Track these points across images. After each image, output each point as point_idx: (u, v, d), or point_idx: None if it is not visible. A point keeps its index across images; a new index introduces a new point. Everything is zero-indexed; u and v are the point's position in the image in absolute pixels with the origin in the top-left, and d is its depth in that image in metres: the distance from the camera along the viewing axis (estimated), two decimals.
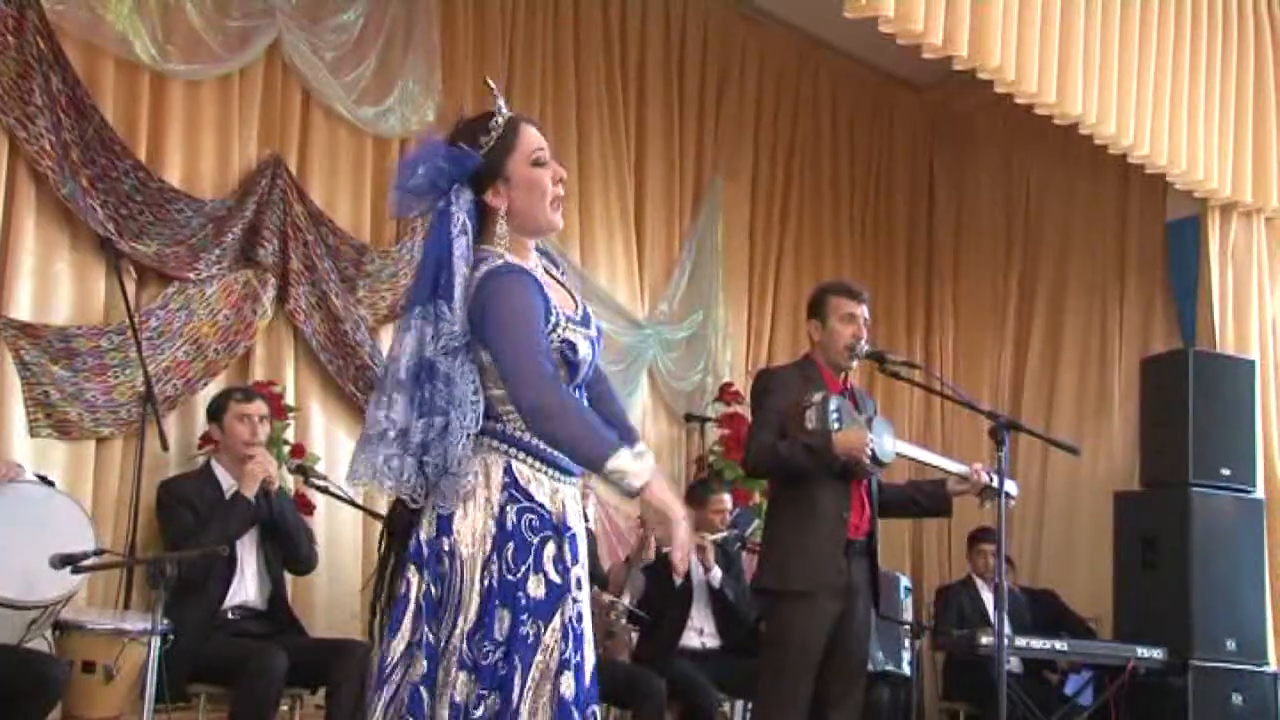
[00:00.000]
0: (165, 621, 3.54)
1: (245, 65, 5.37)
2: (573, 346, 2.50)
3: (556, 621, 2.39)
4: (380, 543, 2.59)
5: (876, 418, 4.15)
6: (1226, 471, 6.11)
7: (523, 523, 2.41)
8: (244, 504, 4.32)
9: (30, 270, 4.75)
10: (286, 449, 5.19)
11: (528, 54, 6.43)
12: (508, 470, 2.43)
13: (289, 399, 5.35)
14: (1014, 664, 6.01)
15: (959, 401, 4.69)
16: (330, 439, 5.52)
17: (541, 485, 2.45)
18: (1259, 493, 6.22)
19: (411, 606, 2.40)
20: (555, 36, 6.56)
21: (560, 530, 2.45)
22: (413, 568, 2.42)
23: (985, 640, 5.33)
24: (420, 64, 5.91)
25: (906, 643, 5.93)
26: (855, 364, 4.19)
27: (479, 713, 2.32)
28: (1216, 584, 5.93)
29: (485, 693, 2.33)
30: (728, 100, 7.37)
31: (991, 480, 4.02)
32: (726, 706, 5.57)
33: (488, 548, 2.39)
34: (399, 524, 2.52)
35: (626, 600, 5.13)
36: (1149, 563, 6.11)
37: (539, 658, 2.36)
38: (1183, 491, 6.01)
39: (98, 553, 3.71)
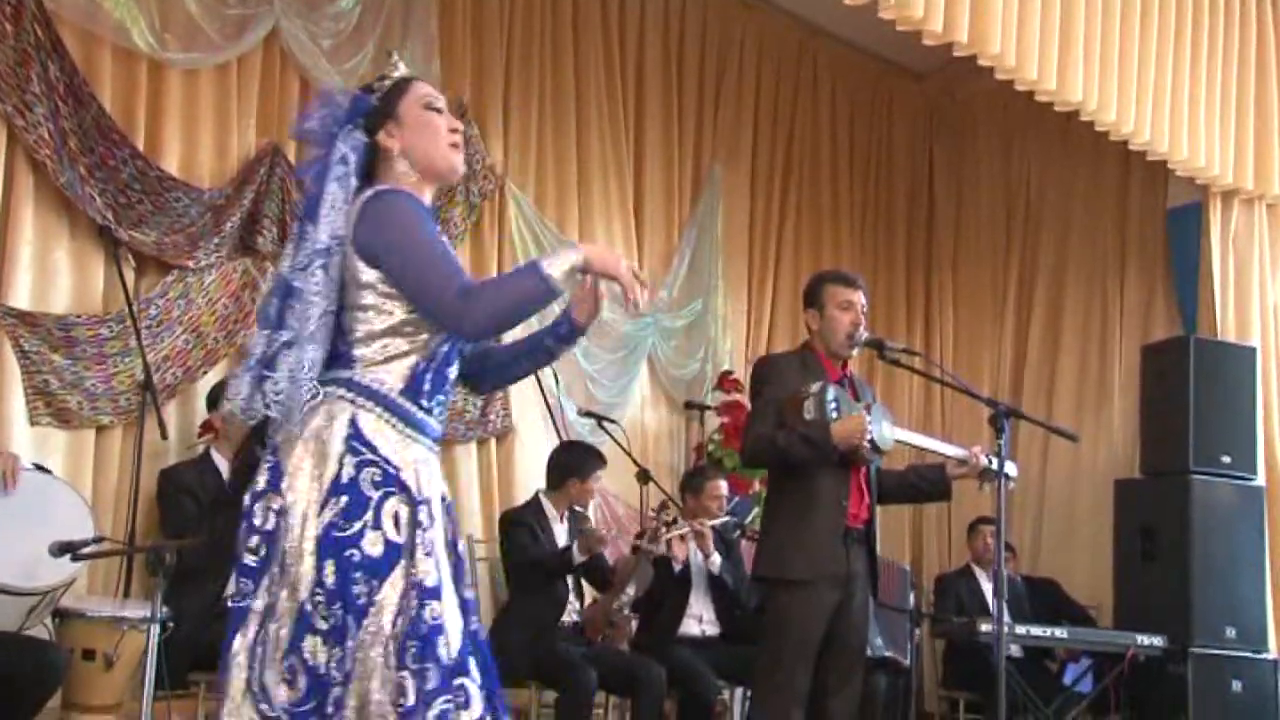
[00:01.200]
0: (165, 609, 3.54)
1: (243, 53, 5.36)
2: None
3: (397, 582, 2.31)
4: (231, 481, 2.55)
5: (875, 405, 4.14)
6: (1227, 459, 6.11)
7: (362, 476, 2.34)
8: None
9: (29, 259, 4.74)
10: None
11: (526, 42, 6.41)
12: (353, 421, 2.37)
13: None
14: (1014, 651, 6.02)
15: (958, 389, 4.68)
16: None
17: (389, 440, 2.39)
18: (1259, 480, 6.23)
19: (244, 563, 2.36)
20: (554, 24, 6.55)
21: (407, 489, 2.37)
22: (243, 525, 2.37)
23: (985, 628, 5.33)
24: (418, 52, 5.89)
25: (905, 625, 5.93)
26: (855, 352, 4.18)
27: (338, 674, 2.27)
28: (1216, 571, 5.94)
29: (341, 654, 2.28)
30: (727, 88, 7.35)
31: (990, 463, 4.02)
32: (726, 694, 5.57)
33: (320, 500, 2.32)
34: (249, 464, 2.48)
35: (633, 591, 5.13)
36: (1149, 551, 6.12)
37: (369, 619, 2.28)
38: (1183, 479, 6.02)
39: (97, 540, 3.71)
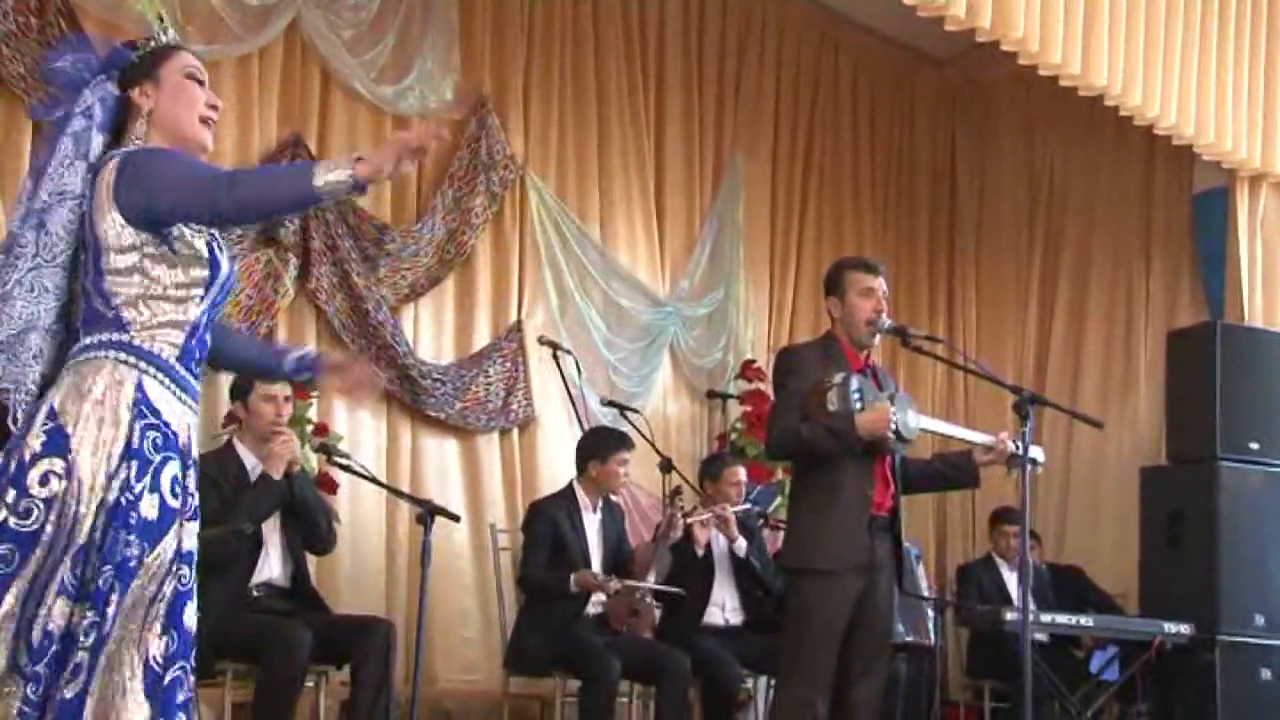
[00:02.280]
0: None
1: (264, 45, 5.37)
2: (219, 245, 2.49)
3: (168, 545, 2.32)
4: None
5: (899, 394, 4.13)
6: (1255, 445, 6.06)
7: (147, 440, 2.34)
8: (273, 485, 4.33)
9: None
10: (309, 428, 5.20)
11: (546, 31, 6.40)
12: (139, 386, 2.36)
13: None
14: (1040, 637, 5.99)
15: (982, 376, 4.66)
16: (353, 418, 5.54)
17: (171, 405, 2.39)
18: None
19: (9, 530, 2.25)
20: (574, 13, 6.53)
21: (184, 455, 2.40)
22: (11, 490, 2.27)
23: (1009, 616, 5.31)
24: (438, 42, 5.90)
25: (929, 612, 5.91)
26: (878, 340, 4.16)
27: (90, 640, 2.23)
28: (1244, 559, 5.89)
29: (97, 620, 2.24)
30: (747, 76, 7.33)
31: (1017, 448, 4.00)
32: (750, 683, 5.57)
33: (111, 466, 2.30)
34: None
35: (653, 579, 5.13)
36: (1175, 538, 6.08)
37: (138, 581, 2.28)
38: (1210, 466, 5.97)
39: None
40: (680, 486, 5.37)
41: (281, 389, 4.53)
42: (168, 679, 2.30)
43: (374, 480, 4.88)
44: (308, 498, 4.52)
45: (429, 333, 5.93)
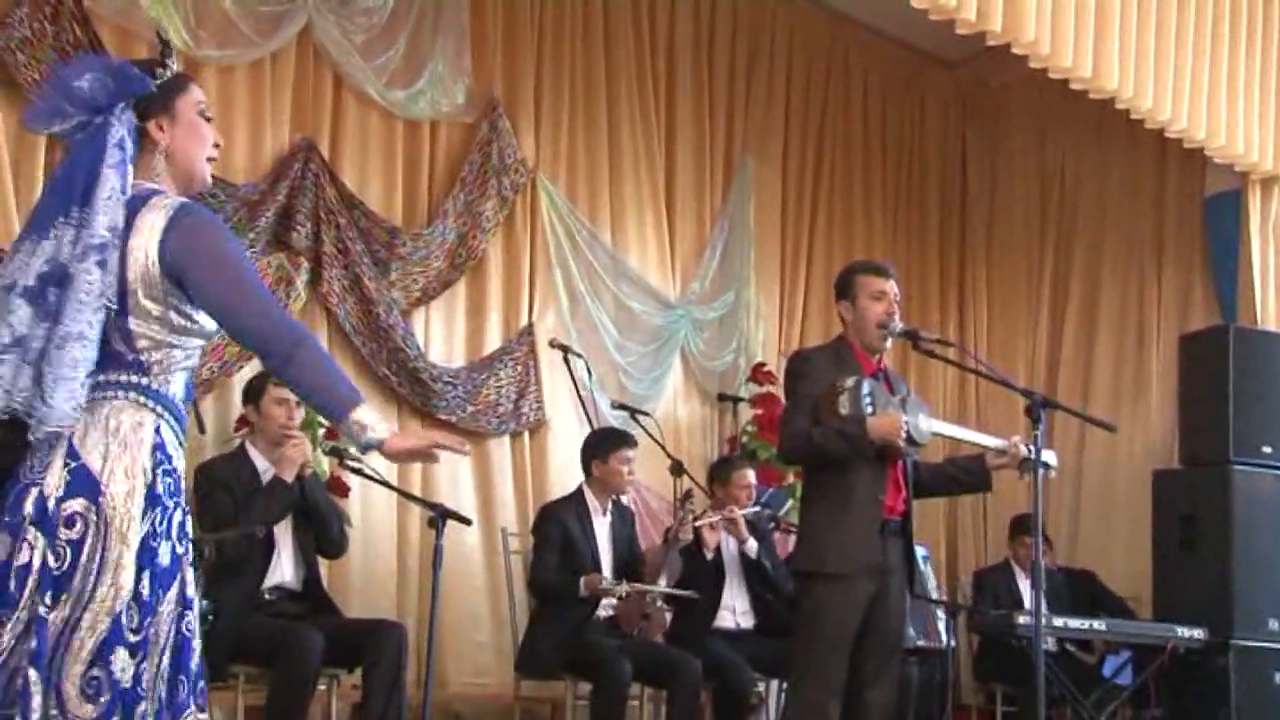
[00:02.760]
0: (205, 602, 3.56)
1: (277, 50, 5.38)
2: None
3: (174, 591, 2.32)
4: None
5: (911, 398, 4.13)
6: (1268, 449, 6.05)
7: (163, 487, 2.33)
8: (285, 488, 4.34)
9: None
10: (321, 431, 5.21)
11: (557, 35, 6.41)
12: (158, 431, 2.35)
13: None
14: (1050, 644, 5.98)
15: (994, 379, 4.65)
16: None
17: (176, 450, 2.39)
18: None
19: (33, 576, 2.19)
20: (585, 16, 6.54)
21: (184, 498, 2.40)
22: (33, 530, 2.21)
23: (1022, 620, 5.30)
24: (449, 46, 5.91)
25: (939, 613, 5.91)
26: (889, 343, 4.16)
27: (139, 689, 2.22)
28: (1257, 562, 5.88)
29: (141, 671, 2.24)
30: (758, 79, 7.32)
31: (1030, 452, 4.00)
32: (761, 686, 5.57)
33: (137, 512, 2.27)
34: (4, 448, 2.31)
35: (664, 582, 5.13)
36: (1188, 542, 6.06)
37: (153, 626, 2.27)
38: (1223, 469, 5.96)
39: None
40: (691, 490, 5.38)
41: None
42: None
43: (385, 484, 4.88)
44: (319, 501, 4.53)
45: (440, 336, 5.93)
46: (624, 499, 5.42)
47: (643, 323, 6.58)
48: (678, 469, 5.60)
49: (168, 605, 2.31)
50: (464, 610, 5.73)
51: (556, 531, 5.05)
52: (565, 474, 5.89)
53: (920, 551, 6.11)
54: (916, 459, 4.23)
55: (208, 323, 2.40)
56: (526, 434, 6.11)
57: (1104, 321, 7.52)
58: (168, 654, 2.30)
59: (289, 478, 4.35)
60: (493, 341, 6.05)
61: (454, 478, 5.83)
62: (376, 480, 4.80)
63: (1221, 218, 6.85)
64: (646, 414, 5.93)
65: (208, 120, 2.52)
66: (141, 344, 2.35)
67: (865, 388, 3.90)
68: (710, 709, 5.25)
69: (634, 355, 6.52)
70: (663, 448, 5.70)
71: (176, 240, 2.33)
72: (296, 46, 5.47)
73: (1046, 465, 4.13)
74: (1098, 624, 5.68)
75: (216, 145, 2.54)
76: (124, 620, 2.23)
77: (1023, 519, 6.35)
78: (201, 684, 2.37)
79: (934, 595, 6.06)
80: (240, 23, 5.20)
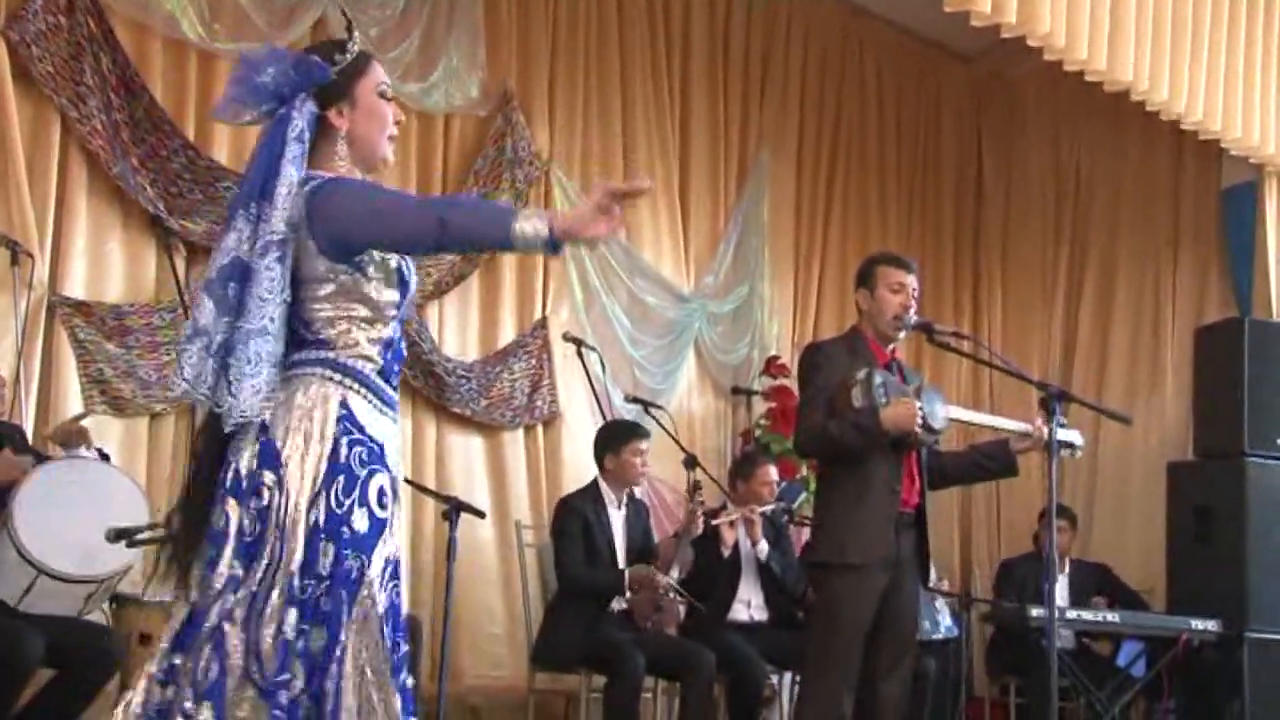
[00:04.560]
0: None
1: (291, 43, 5.38)
2: (406, 262, 2.51)
3: (379, 556, 2.38)
4: (189, 464, 2.54)
5: (925, 386, 4.12)
6: None
7: (353, 455, 2.38)
8: None
9: (83, 249, 4.81)
10: None
11: (571, 28, 6.41)
12: (344, 403, 2.40)
13: None
14: (1069, 641, 5.97)
15: (1008, 372, 4.65)
16: None
17: (375, 419, 2.43)
18: None
19: (231, 542, 2.33)
20: (599, 10, 6.54)
21: (387, 466, 2.43)
22: (231, 501, 2.35)
23: (1035, 612, 5.29)
24: (464, 40, 5.91)
25: (940, 604, 5.90)
26: (903, 335, 4.17)
27: (300, 645, 2.29)
28: (1272, 555, 5.86)
29: (307, 628, 2.30)
30: (773, 73, 7.31)
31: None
32: (775, 679, 5.57)
33: (318, 481, 2.34)
34: (212, 445, 2.43)
35: (676, 574, 5.14)
36: (1203, 534, 6.05)
37: (363, 592, 2.34)
38: (1237, 461, 5.94)
39: (152, 527, 3.76)
40: (699, 482, 5.38)
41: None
42: (403, 681, 2.39)
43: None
44: None
45: (454, 329, 5.95)
46: (637, 492, 5.42)
47: (657, 316, 6.58)
48: (691, 462, 5.60)
49: (375, 567, 2.36)
50: (478, 603, 5.74)
51: (577, 525, 5.05)
52: (579, 467, 5.90)
53: None
54: (939, 448, 4.23)
55: (377, 293, 2.44)
56: (540, 427, 6.12)
57: (1119, 314, 7.50)
58: (387, 623, 2.36)
59: None
60: (506, 335, 6.06)
61: (468, 471, 5.85)
62: None
63: (1237, 210, 6.82)
64: (660, 407, 5.93)
65: (388, 100, 2.56)
66: (318, 324, 2.42)
67: (877, 379, 3.90)
68: (724, 702, 5.26)
69: (648, 349, 6.52)
70: (676, 441, 5.70)
71: (320, 217, 2.39)
72: (310, 39, 5.47)
73: (1071, 445, 4.13)
74: (1112, 616, 5.67)
75: (397, 123, 2.58)
76: (296, 583, 2.30)
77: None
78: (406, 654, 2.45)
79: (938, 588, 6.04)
80: (254, 15, 5.21)
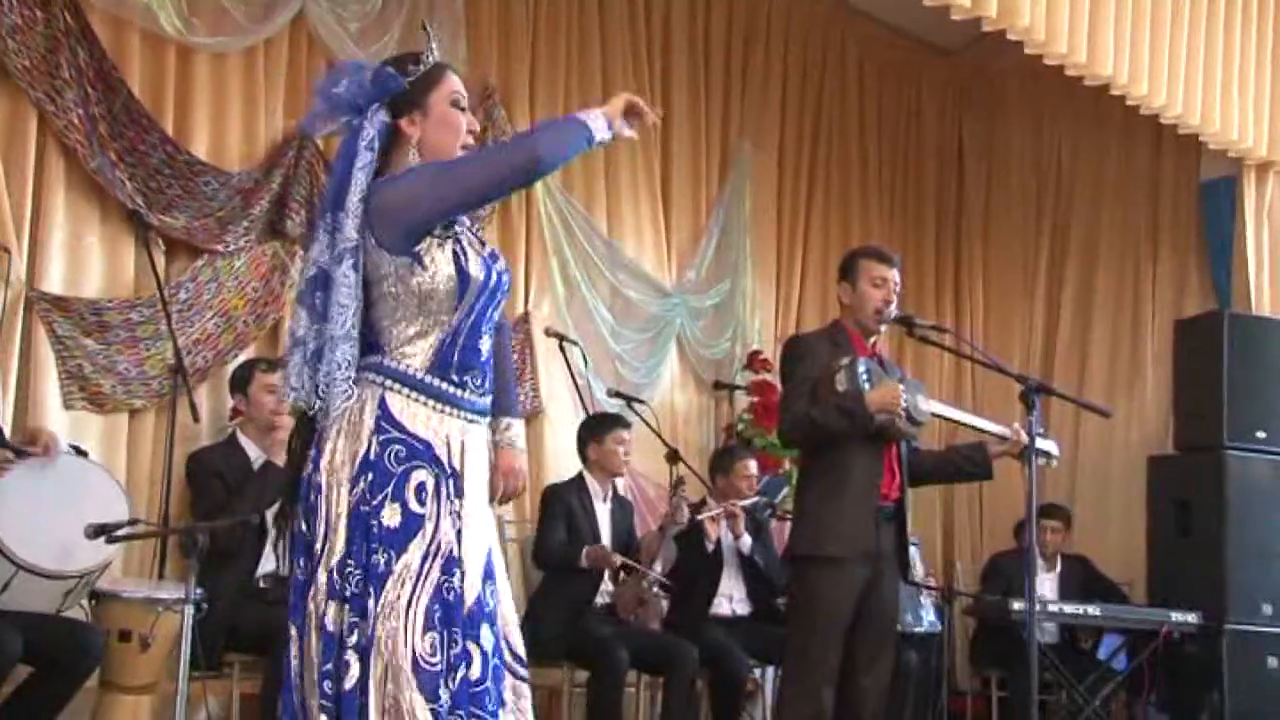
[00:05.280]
0: (199, 590, 3.57)
1: (270, 37, 5.36)
2: (464, 253, 2.54)
3: (414, 551, 2.41)
4: (286, 470, 2.66)
5: (908, 379, 4.14)
6: (1262, 434, 6.06)
7: (387, 454, 2.44)
8: (277, 472, 4.31)
9: (61, 244, 4.77)
10: None
11: (552, 21, 6.39)
12: (381, 403, 2.46)
13: None
14: (1053, 634, 6.00)
15: (989, 365, 4.66)
16: None
17: (418, 416, 2.48)
18: None
19: (293, 543, 2.54)
20: (580, 4, 6.52)
21: (437, 462, 2.47)
22: (299, 505, 2.53)
23: (1017, 606, 5.31)
24: (444, 35, 5.87)
25: (923, 598, 5.93)
26: (884, 328, 4.18)
27: (353, 639, 2.37)
28: (1252, 547, 5.89)
29: (357, 620, 2.37)
30: (754, 67, 7.31)
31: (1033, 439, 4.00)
32: (757, 673, 5.58)
33: (345, 477, 2.43)
34: (304, 441, 2.56)
35: (659, 569, 5.14)
36: (1183, 527, 6.08)
37: (389, 586, 2.37)
38: (1217, 455, 5.97)
39: (132, 523, 3.75)
40: (682, 477, 5.39)
41: (281, 377, 4.54)
42: (457, 678, 2.39)
43: None
44: None
45: None
46: (620, 488, 5.42)
47: (639, 311, 6.58)
48: (674, 457, 5.60)
49: (407, 563, 2.39)
50: None
51: (561, 508, 5.09)
52: (562, 462, 5.89)
53: (911, 539, 6.15)
54: (918, 446, 4.24)
55: (439, 283, 2.48)
56: (523, 422, 6.10)
57: (1099, 308, 7.53)
58: (434, 606, 2.39)
59: (281, 461, 4.33)
60: None
61: None
62: None
63: (1217, 204, 6.85)
64: (643, 402, 5.93)
65: (462, 110, 2.63)
66: (380, 326, 2.52)
67: (861, 366, 3.92)
68: (707, 695, 5.26)
69: (630, 343, 6.52)
70: (659, 435, 5.70)
71: (375, 211, 2.47)
72: (290, 34, 5.45)
73: (1047, 455, 4.14)
74: (1092, 609, 5.69)
75: (471, 132, 2.64)
76: (335, 578, 2.40)
77: (1044, 506, 6.31)
78: (473, 645, 2.44)
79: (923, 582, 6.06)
80: (233, 9, 5.18)
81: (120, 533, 3.66)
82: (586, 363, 6.00)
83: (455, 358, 2.52)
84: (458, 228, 2.57)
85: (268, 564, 4.37)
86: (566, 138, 2.50)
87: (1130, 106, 5.99)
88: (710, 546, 5.29)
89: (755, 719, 5.77)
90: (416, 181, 2.49)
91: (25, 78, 4.62)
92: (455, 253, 2.52)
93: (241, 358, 5.06)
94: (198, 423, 4.73)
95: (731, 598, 5.47)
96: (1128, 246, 7.46)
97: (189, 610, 3.47)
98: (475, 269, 2.54)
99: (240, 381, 4.61)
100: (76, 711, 3.83)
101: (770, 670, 5.64)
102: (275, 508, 4.31)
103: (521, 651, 2.67)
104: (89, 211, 4.84)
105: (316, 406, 2.47)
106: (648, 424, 5.73)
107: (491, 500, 2.73)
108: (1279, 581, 5.92)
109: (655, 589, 5.14)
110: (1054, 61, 5.59)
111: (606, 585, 5.17)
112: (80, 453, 4.10)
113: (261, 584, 4.34)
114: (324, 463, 2.45)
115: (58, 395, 4.67)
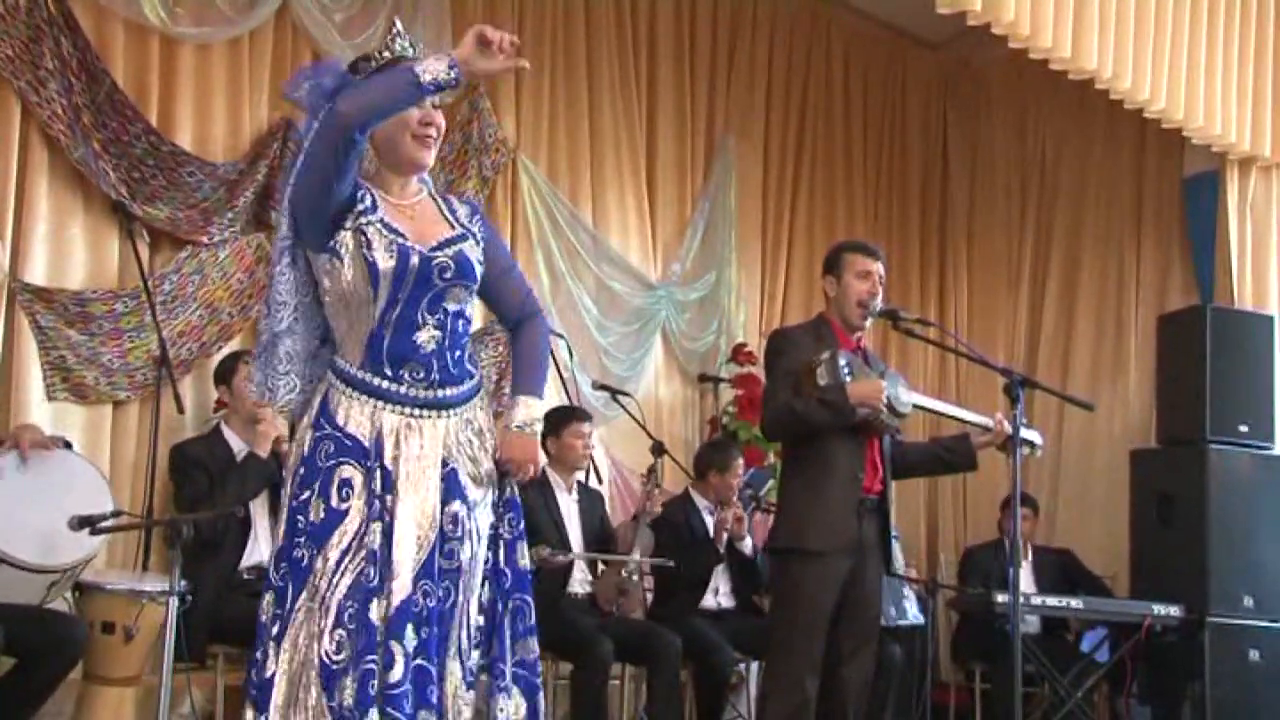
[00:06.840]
0: (183, 582, 3.56)
1: (255, 27, 5.34)
2: (368, 243, 2.48)
3: (336, 546, 2.41)
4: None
5: (889, 371, 4.15)
6: (1244, 428, 6.08)
7: (319, 450, 2.47)
8: (260, 464, 4.32)
9: (44, 235, 4.75)
10: None
11: (538, 14, 6.38)
12: (324, 400, 2.50)
13: None
14: (1035, 626, 6.02)
15: (973, 358, 4.67)
16: None
17: (351, 412, 2.48)
18: (1277, 449, 6.19)
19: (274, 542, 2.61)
20: None
21: (365, 456, 2.46)
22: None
23: (1001, 599, 5.33)
24: (430, 26, 5.87)
25: (907, 591, 5.94)
26: (869, 322, 4.19)
27: (274, 630, 2.42)
28: (1234, 540, 5.92)
29: (279, 612, 2.43)
30: (739, 58, 7.31)
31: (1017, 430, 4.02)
32: (742, 666, 5.59)
33: (290, 473, 2.51)
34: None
35: (637, 555, 5.14)
36: (1165, 520, 6.10)
37: (310, 579, 2.40)
38: (1200, 448, 5.99)
39: (116, 515, 3.73)
40: (654, 465, 5.38)
41: None
42: (359, 672, 2.37)
43: None
44: None
45: None
46: (594, 481, 5.39)
47: (624, 303, 6.58)
48: (658, 449, 5.60)
49: (327, 557, 2.40)
50: None
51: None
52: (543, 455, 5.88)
53: (892, 532, 6.17)
54: (901, 438, 4.25)
55: (355, 274, 2.46)
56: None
57: (1083, 301, 7.55)
58: (348, 602, 2.38)
59: (264, 453, 4.34)
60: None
61: None
62: None
63: (1200, 198, 6.86)
64: (627, 394, 5.93)
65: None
66: (330, 324, 2.56)
67: (842, 359, 3.92)
68: (691, 688, 5.27)
69: (615, 336, 6.51)
70: (644, 428, 5.70)
71: (289, 208, 2.51)
72: (275, 25, 5.44)
73: (1031, 444, 4.16)
74: (1075, 602, 5.72)
75: (427, 124, 2.58)
76: (270, 569, 2.49)
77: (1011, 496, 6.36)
78: (396, 645, 2.40)
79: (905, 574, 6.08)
80: (218, 0, 5.16)
81: (104, 524, 3.65)
82: (572, 355, 6.00)
83: (386, 351, 2.50)
84: (368, 216, 2.50)
85: (253, 556, 4.36)
86: (378, 87, 2.44)
87: (1114, 101, 6.01)
88: (721, 549, 5.29)
89: (739, 711, 5.78)
90: (295, 174, 2.50)
91: (8, 67, 4.60)
92: (359, 244, 2.47)
93: (226, 350, 5.05)
94: (182, 414, 4.72)
95: (718, 591, 5.47)
96: (1111, 240, 7.48)
97: (173, 602, 3.46)
98: (382, 258, 2.47)
99: (224, 373, 4.60)
100: (60, 704, 3.82)
101: (755, 663, 5.65)
102: (259, 499, 4.36)
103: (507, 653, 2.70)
104: (72, 202, 4.83)
105: (267, 399, 2.53)
106: (633, 416, 5.73)
107: (505, 479, 2.72)
108: (1260, 575, 5.94)
109: (635, 577, 5.12)
110: (1038, 56, 5.59)
111: (587, 575, 5.17)
112: (65, 444, 4.08)
113: (246, 576, 4.33)
114: (285, 457, 2.52)
115: (40, 387, 4.65)
